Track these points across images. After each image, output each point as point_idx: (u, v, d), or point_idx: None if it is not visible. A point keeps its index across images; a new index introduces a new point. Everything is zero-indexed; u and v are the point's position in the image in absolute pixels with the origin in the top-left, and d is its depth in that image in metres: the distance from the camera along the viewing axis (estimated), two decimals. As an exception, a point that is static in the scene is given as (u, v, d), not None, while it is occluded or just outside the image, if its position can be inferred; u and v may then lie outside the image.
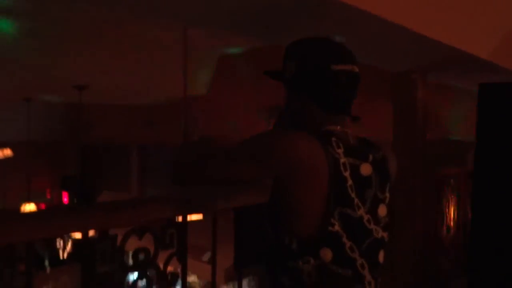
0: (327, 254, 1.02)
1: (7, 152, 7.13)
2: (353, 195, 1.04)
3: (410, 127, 2.66)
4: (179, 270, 1.42)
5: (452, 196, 3.24)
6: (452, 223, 3.25)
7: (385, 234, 1.12)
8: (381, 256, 1.12)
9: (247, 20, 1.62)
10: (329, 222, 1.01)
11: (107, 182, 8.38)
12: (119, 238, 1.22)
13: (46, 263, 7.95)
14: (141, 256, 1.29)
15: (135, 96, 6.03)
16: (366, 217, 1.07)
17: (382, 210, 1.11)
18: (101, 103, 6.93)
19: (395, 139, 2.68)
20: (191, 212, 1.42)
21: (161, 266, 1.34)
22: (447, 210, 3.17)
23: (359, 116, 1.14)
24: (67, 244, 8.40)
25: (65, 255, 8.34)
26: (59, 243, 8.10)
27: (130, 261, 1.26)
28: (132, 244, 1.26)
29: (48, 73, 4.23)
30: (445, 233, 3.14)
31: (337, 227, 1.01)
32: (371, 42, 1.95)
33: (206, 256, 5.36)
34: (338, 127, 1.09)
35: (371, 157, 1.09)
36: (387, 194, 1.14)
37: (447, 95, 3.87)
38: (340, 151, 1.03)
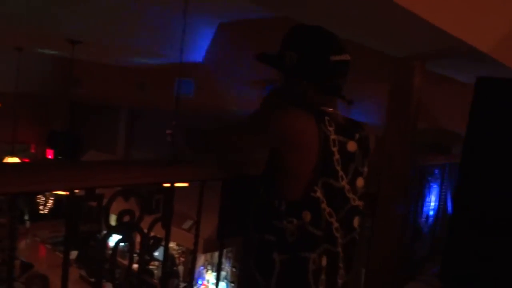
0: (307, 216, 1.18)
1: (-6, 102, 6.98)
2: (338, 168, 1.20)
3: (403, 113, 2.66)
4: (160, 235, 1.42)
5: (435, 186, 3.29)
6: (431, 212, 3.32)
7: (360, 203, 1.29)
8: (356, 222, 1.29)
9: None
10: (312, 188, 1.17)
11: (94, 142, 8.31)
12: (105, 199, 1.21)
13: (26, 217, 7.95)
14: (126, 218, 1.29)
15: (129, 57, 5.91)
16: (347, 187, 1.24)
17: (360, 182, 1.29)
18: (93, 61, 6.78)
19: (387, 124, 2.68)
20: (182, 181, 1.42)
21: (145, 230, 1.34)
22: (428, 198, 3.22)
23: (352, 100, 1.28)
24: (48, 200, 8.39)
25: (46, 210, 8.35)
26: (41, 198, 8.08)
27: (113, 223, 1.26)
28: (117, 207, 1.25)
29: (42, 24, 4.11)
30: (424, 221, 3.21)
31: (318, 194, 1.18)
32: (377, 25, 1.92)
33: (187, 224, 5.40)
34: (332, 108, 1.25)
35: (357, 135, 1.27)
36: (366, 168, 1.32)
37: (442, 85, 3.88)
38: (332, 129, 1.19)
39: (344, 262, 1.26)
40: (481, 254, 2.17)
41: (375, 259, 2.66)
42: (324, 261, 1.21)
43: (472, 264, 2.20)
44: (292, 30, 1.28)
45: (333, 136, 1.19)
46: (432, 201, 3.22)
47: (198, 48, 5.53)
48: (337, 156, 1.19)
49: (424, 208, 3.13)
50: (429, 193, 3.15)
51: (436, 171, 3.20)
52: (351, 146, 1.24)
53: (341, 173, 1.21)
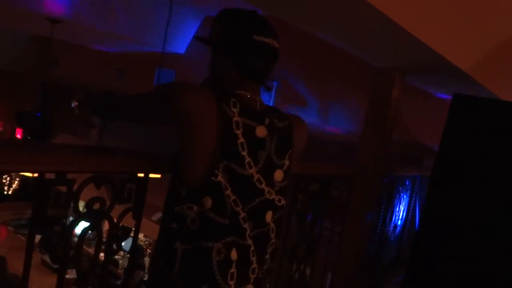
0: (207, 202, 1.11)
1: (-37, 75, 6.70)
2: (244, 153, 1.13)
3: (380, 123, 2.71)
4: (129, 226, 1.39)
5: (404, 196, 3.37)
6: (399, 222, 3.39)
7: (277, 198, 1.23)
8: (268, 216, 1.22)
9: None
10: (212, 173, 1.09)
11: (66, 125, 8.10)
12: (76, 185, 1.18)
13: (-11, 197, 7.69)
14: (96, 206, 1.26)
15: (109, 42, 5.78)
16: (256, 176, 1.16)
17: (278, 175, 1.22)
18: (72, 42, 6.60)
19: (363, 132, 2.72)
20: (157, 171, 1.39)
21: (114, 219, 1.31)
22: (397, 208, 3.29)
23: (270, 86, 1.27)
24: (14, 181, 8.13)
25: (10, 191, 8.09)
26: (6, 178, 7.83)
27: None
28: (86, 194, 1.22)
29: (21, 0, 3.97)
30: (391, 230, 3.28)
31: (220, 178, 1.10)
32: (361, 33, 1.95)
33: (156, 216, 5.34)
34: (248, 93, 1.19)
35: (267, 121, 1.19)
36: (287, 161, 1.24)
37: (419, 98, 3.97)
38: (236, 110, 1.12)
39: (256, 256, 1.19)
40: (445, 267, 2.22)
41: (342, 264, 2.70)
42: (234, 255, 1.14)
43: (435, 276, 2.25)
44: (225, 9, 1.26)
45: (236, 118, 1.11)
46: (401, 211, 3.29)
47: (181, 40, 5.47)
48: (241, 139, 1.12)
49: (393, 217, 3.19)
50: (399, 203, 3.22)
51: (407, 182, 3.27)
52: (260, 131, 1.16)
53: (248, 159, 1.13)
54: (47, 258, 5.13)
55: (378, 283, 3.00)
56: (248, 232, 1.16)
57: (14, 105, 8.78)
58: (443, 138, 2.24)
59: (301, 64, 4.35)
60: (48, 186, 1.10)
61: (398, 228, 3.34)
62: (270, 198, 1.21)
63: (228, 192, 1.12)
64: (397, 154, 3.28)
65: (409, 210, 3.43)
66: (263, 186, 1.18)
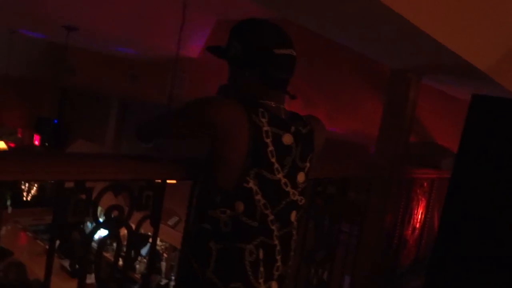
0: (239, 206, 1.18)
1: (-18, 83, 6.85)
2: (273, 160, 1.20)
3: (397, 125, 2.67)
4: (148, 232, 1.40)
5: (423, 199, 3.31)
6: (418, 225, 3.34)
7: (299, 198, 1.30)
8: (292, 216, 1.30)
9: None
10: (244, 179, 1.17)
11: (83, 130, 8.21)
12: (95, 193, 1.19)
13: (8, 202, 7.82)
14: (115, 214, 1.27)
15: (124, 47, 5.84)
16: (283, 180, 1.24)
17: (300, 177, 1.29)
18: (88, 49, 6.70)
19: (380, 135, 2.69)
20: (174, 178, 1.40)
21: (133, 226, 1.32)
22: (415, 211, 3.24)
23: (295, 95, 1.30)
24: (32, 187, 8.26)
25: (29, 198, 8.22)
26: (25, 185, 7.96)
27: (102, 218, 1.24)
28: (105, 201, 1.23)
29: (37, 7, 4.03)
30: (410, 233, 3.23)
31: (251, 185, 1.18)
32: (376, 34, 1.92)
33: (172, 221, 5.37)
34: (273, 102, 1.25)
35: (293, 128, 1.26)
36: (308, 164, 1.31)
37: (436, 99, 3.91)
38: (264, 120, 1.19)
39: (281, 254, 1.28)
40: (466, 270, 2.18)
41: (360, 268, 2.67)
42: (261, 254, 1.22)
43: (456, 280, 2.21)
44: (239, 23, 1.30)
45: (265, 128, 1.18)
46: (419, 213, 3.24)
47: (194, 44, 5.50)
48: (271, 147, 1.19)
49: (412, 220, 3.15)
50: (417, 205, 3.17)
51: (425, 184, 3.22)
52: (287, 138, 1.24)
53: (276, 165, 1.21)
54: (66, 263, 5.19)
55: (397, 287, 2.96)
56: (275, 232, 1.25)
57: (32, 111, 8.94)
58: (462, 139, 2.20)
59: (312, 66, 4.33)
60: (67, 195, 1.11)
61: (417, 231, 3.29)
62: (294, 199, 1.28)
63: (258, 197, 1.19)
64: (414, 156, 3.23)
65: (428, 212, 3.37)
66: (288, 188, 1.26)
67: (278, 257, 1.27)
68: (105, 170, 1.15)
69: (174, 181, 2.97)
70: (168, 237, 5.25)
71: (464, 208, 2.22)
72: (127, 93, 7.13)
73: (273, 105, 1.25)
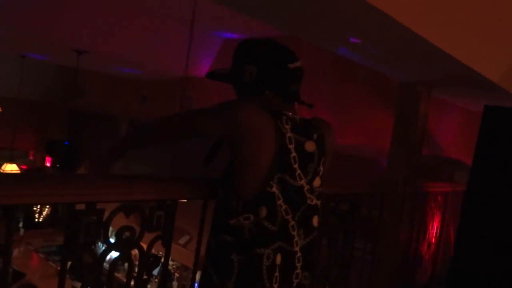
0: (262, 211, 1.18)
1: (-5, 107, 6.96)
2: (295, 166, 1.21)
3: (408, 139, 2.64)
4: (159, 252, 1.38)
5: (437, 213, 3.25)
6: (433, 239, 3.27)
7: (318, 202, 1.31)
8: (315, 220, 1.30)
9: (263, 4, 1.56)
10: (268, 183, 1.17)
11: (93, 151, 8.26)
12: (106, 214, 1.17)
13: (20, 224, 7.84)
14: (126, 235, 1.25)
15: (133, 68, 5.92)
16: (306, 187, 1.26)
17: (317, 182, 1.30)
18: (97, 71, 6.79)
19: (392, 149, 2.66)
20: (185, 198, 1.38)
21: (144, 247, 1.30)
22: (430, 226, 3.18)
23: (312, 103, 1.31)
24: (44, 208, 8.29)
25: (41, 219, 8.24)
26: (37, 206, 7.99)
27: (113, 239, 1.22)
28: (116, 221, 1.22)
29: (48, 32, 4.12)
30: (426, 248, 3.16)
31: (274, 189, 1.18)
32: (386, 48, 1.92)
33: (183, 240, 5.33)
34: (290, 113, 1.27)
35: (315, 136, 1.28)
36: (321, 168, 1.32)
37: (447, 111, 3.87)
38: (288, 127, 1.21)
39: (301, 262, 1.26)
40: (485, 284, 2.12)
41: (375, 285, 2.60)
42: (278, 259, 1.20)
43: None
44: (244, 45, 1.31)
45: (289, 134, 1.20)
46: (434, 228, 3.18)
47: (202, 63, 5.55)
48: (293, 153, 1.21)
49: (427, 235, 3.08)
50: (432, 220, 3.11)
51: (440, 198, 3.17)
52: (309, 146, 1.26)
53: (298, 171, 1.22)
54: (78, 285, 5.16)
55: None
56: (296, 239, 1.24)
57: (43, 134, 9.04)
58: (476, 151, 2.16)
59: (319, 80, 4.33)
60: (78, 217, 1.10)
61: (433, 246, 3.22)
62: (313, 203, 1.29)
63: (280, 202, 1.19)
64: (427, 169, 3.19)
65: (443, 226, 3.30)
66: (309, 194, 1.27)
67: (298, 264, 1.25)
68: (116, 191, 1.15)
69: (184, 200, 2.95)
70: (179, 256, 5.20)
71: (481, 221, 2.17)
72: (136, 114, 7.19)
73: (290, 115, 1.26)
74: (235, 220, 1.19)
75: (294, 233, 1.23)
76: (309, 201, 1.28)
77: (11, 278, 5.36)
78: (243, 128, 1.16)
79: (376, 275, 2.62)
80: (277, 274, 1.20)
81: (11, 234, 0.97)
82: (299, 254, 1.25)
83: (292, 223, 1.23)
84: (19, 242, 7.10)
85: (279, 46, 1.29)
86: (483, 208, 2.18)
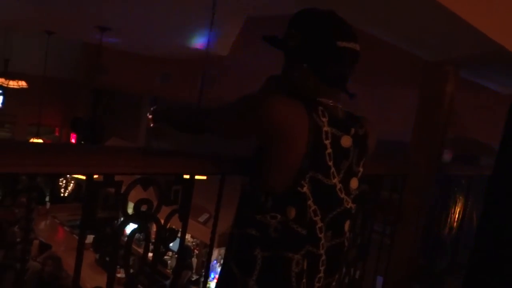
0: (291, 212, 1.09)
1: (22, 83, 7.12)
2: (330, 163, 1.11)
3: (433, 121, 2.57)
4: (176, 226, 1.39)
5: (460, 197, 3.18)
6: (455, 224, 3.21)
7: (353, 206, 1.21)
8: (346, 225, 1.21)
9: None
10: (299, 183, 1.08)
11: (116, 129, 8.39)
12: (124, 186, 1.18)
13: (47, 198, 8.11)
14: (143, 208, 1.26)
15: (156, 47, 5.93)
16: (338, 186, 1.15)
17: (354, 183, 1.20)
18: (120, 49, 6.84)
19: (415, 130, 2.59)
20: (202, 173, 1.38)
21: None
22: (452, 210, 3.12)
23: (355, 93, 1.17)
24: (69, 183, 8.53)
25: (66, 194, 8.49)
26: (62, 181, 8.23)
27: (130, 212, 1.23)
28: (135, 195, 1.23)
29: (72, 8, 4.14)
30: (447, 232, 3.11)
31: (305, 189, 1.09)
32: (411, 23, 1.84)
33: (203, 217, 5.41)
34: (331, 100, 1.15)
35: (353, 130, 1.17)
36: (361, 169, 1.22)
37: (474, 93, 3.75)
38: (325, 120, 1.10)
39: (325, 265, 1.17)
40: (508, 273, 2.07)
41: (393, 269, 2.58)
42: (305, 264, 1.13)
43: (496, 282, 2.10)
44: (300, 11, 1.19)
45: (325, 128, 1.10)
46: (456, 213, 3.12)
47: (224, 41, 5.51)
48: (329, 150, 1.11)
49: (448, 219, 3.03)
50: (455, 204, 3.05)
51: (463, 182, 3.09)
52: (345, 141, 1.14)
53: (333, 169, 1.12)
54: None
55: (434, 289, 2.85)
56: (322, 241, 1.15)
57: (68, 111, 9.24)
58: (504, 134, 2.08)
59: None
60: (96, 188, 1.11)
61: (454, 230, 3.17)
62: (348, 207, 1.19)
63: (309, 202, 1.11)
64: (452, 152, 3.11)
65: (466, 211, 3.24)
66: (343, 195, 1.17)
67: (322, 268, 1.17)
68: (134, 164, 1.15)
69: (204, 177, 2.96)
70: (199, 234, 5.29)
71: (505, 207, 2.10)
72: (158, 92, 7.24)
73: (331, 104, 1.15)
74: (262, 217, 1.12)
75: (321, 235, 1.14)
76: (345, 204, 1.18)
77: (39, 249, 5.57)
78: (273, 127, 1.07)
79: (394, 258, 2.59)
80: (304, 280, 1.13)
81: (32, 202, 0.99)
82: (323, 257, 1.16)
83: (320, 225, 1.13)
84: (46, 216, 7.36)
85: (335, 20, 1.15)
86: (509, 194, 2.12)
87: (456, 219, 3.17)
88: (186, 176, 1.35)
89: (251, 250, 1.12)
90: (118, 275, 1.99)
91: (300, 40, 1.14)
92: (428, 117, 2.56)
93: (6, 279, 3.82)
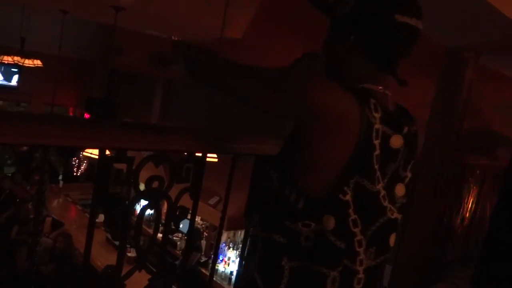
0: (329, 222, 0.92)
1: (38, 62, 7.16)
2: (376, 166, 0.93)
3: (450, 108, 2.52)
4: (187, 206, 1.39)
5: (474, 187, 3.14)
6: (467, 214, 3.17)
7: (399, 216, 1.02)
8: (392, 239, 1.03)
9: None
10: (341, 189, 0.91)
11: (129, 109, 8.44)
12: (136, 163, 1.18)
13: (60, 177, 8.24)
14: (155, 185, 1.26)
15: (170, 29, 5.89)
16: (382, 192, 0.97)
17: (400, 190, 1.02)
18: (135, 30, 6.81)
19: (431, 118, 2.54)
20: (214, 151, 1.37)
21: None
22: (466, 200, 3.08)
23: (406, 80, 0.98)
24: (82, 163, 8.64)
25: (79, 173, 8.60)
26: (75, 161, 8.33)
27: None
28: (146, 174, 1.22)
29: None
30: (459, 222, 3.07)
31: (348, 197, 0.91)
32: (433, 6, 1.79)
33: (213, 200, 5.43)
34: (380, 87, 0.97)
35: (406, 129, 0.98)
36: (409, 173, 1.04)
37: (493, 81, 3.66)
38: (378, 115, 0.91)
39: (362, 284, 0.98)
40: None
41: (403, 256, 2.57)
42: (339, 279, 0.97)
43: (508, 273, 2.07)
44: None
45: (377, 125, 0.91)
46: (470, 203, 3.08)
47: (239, 24, 5.45)
48: (377, 151, 0.92)
49: (461, 209, 2.99)
50: (468, 194, 3.01)
51: (478, 172, 3.04)
52: (395, 141, 0.95)
53: (378, 173, 0.94)
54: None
55: (444, 278, 2.83)
56: (361, 257, 0.96)
57: (82, 91, 9.30)
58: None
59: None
60: (108, 163, 1.10)
61: (467, 220, 3.13)
62: (393, 217, 1.00)
63: (350, 210, 0.93)
64: (468, 142, 3.05)
65: (479, 201, 3.19)
66: (386, 203, 0.99)
67: (357, 286, 0.98)
68: (146, 140, 1.14)
69: (215, 160, 2.95)
70: (209, 216, 5.32)
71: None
72: (172, 74, 7.23)
73: (380, 91, 0.97)
74: (292, 224, 0.95)
75: (360, 250, 0.96)
76: (389, 214, 0.99)
77: (51, 226, 5.68)
78: (323, 117, 0.88)
79: (404, 246, 2.58)
80: None
81: (44, 174, 0.98)
82: (361, 275, 0.97)
83: (360, 237, 0.95)
84: (59, 194, 7.48)
85: None
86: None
87: (469, 209, 3.13)
88: (198, 154, 1.34)
89: (278, 260, 0.97)
90: (129, 254, 2.01)
91: (354, 9, 0.96)
92: (445, 105, 2.51)
93: (20, 253, 3.91)
